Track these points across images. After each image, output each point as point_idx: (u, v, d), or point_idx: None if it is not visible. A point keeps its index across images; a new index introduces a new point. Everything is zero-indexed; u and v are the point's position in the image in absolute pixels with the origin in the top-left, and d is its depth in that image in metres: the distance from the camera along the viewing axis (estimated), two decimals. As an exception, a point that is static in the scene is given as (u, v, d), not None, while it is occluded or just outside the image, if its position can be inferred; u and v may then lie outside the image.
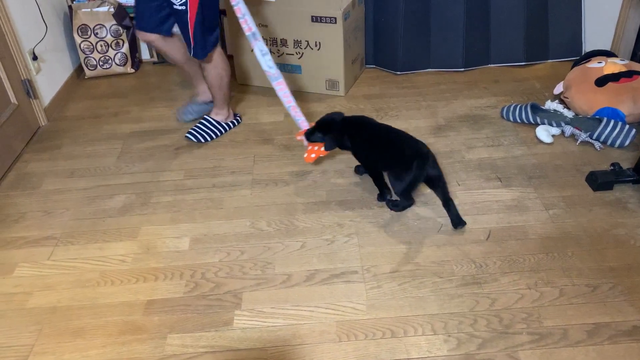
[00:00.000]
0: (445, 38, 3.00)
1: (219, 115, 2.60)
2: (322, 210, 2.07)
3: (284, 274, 1.80)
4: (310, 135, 2.13)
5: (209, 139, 2.57)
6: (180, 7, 2.18)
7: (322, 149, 2.12)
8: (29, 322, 1.69)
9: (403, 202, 2.00)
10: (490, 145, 2.38)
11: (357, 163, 2.23)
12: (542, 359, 1.46)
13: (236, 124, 2.69)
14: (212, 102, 2.63)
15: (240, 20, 2.13)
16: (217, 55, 2.41)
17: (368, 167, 2.14)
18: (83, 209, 2.16)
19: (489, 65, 3.10)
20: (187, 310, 1.68)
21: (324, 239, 1.93)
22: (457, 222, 1.91)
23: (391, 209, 2.05)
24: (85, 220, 2.11)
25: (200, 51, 2.31)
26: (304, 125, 2.24)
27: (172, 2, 2.19)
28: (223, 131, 2.62)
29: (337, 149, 2.15)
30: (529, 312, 1.60)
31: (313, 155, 2.13)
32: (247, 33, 2.16)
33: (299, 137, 2.23)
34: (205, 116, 2.62)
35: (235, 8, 2.12)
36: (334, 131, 2.08)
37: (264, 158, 2.42)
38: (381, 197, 2.10)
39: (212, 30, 2.33)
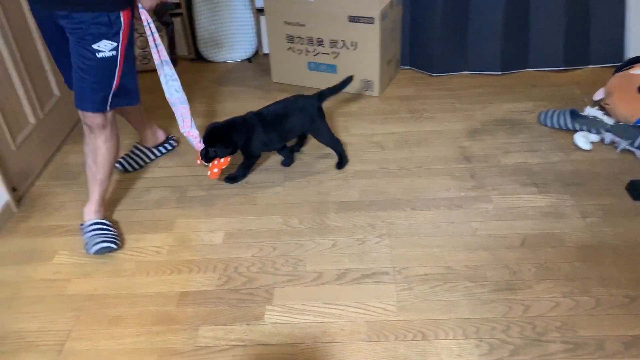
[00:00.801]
0: (482, 40, 2.96)
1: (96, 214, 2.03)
2: (353, 210, 2.08)
3: (315, 272, 1.81)
4: (205, 155, 2.11)
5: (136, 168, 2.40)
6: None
7: (221, 160, 2.11)
8: (67, 309, 1.74)
9: (339, 146, 2.35)
10: (526, 151, 2.35)
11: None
12: (576, 368, 1.44)
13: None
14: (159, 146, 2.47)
15: (152, 51, 2.00)
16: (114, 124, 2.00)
17: (273, 147, 2.30)
18: (120, 201, 2.21)
19: (527, 69, 3.05)
20: (220, 303, 1.71)
21: (355, 238, 1.94)
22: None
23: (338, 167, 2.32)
24: (122, 211, 2.15)
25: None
26: (199, 146, 2.14)
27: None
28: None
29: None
30: (564, 321, 1.57)
31: (216, 170, 2.11)
32: (157, 62, 2.05)
33: (198, 162, 2.18)
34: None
35: (149, 38, 1.96)
36: (221, 139, 2.10)
37: (297, 156, 2.43)
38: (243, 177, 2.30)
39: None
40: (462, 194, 2.12)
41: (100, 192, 2.01)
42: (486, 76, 3.01)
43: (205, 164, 2.13)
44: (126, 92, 1.91)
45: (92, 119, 1.87)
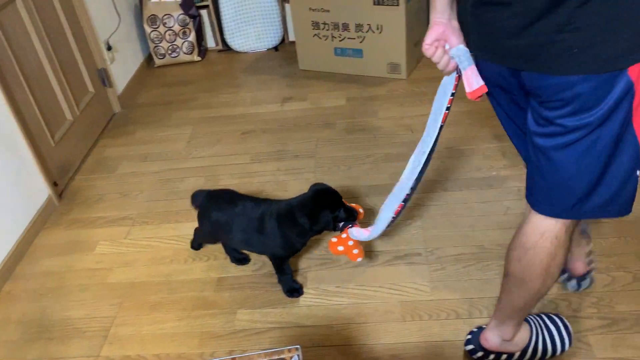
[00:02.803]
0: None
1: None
2: (384, 193, 2.04)
3: (348, 255, 1.83)
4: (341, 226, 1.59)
5: None
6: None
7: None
8: (110, 296, 1.81)
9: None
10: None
11: None
12: (614, 344, 1.43)
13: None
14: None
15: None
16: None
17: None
18: (156, 191, 2.28)
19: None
20: (256, 287, 1.75)
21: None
22: None
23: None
24: (159, 201, 2.22)
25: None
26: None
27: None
28: None
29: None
30: (600, 297, 1.56)
31: (356, 252, 1.56)
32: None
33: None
34: None
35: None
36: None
37: (327, 142, 2.45)
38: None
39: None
40: (494, 173, 2.10)
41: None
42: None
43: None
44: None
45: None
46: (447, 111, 1.25)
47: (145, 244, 2.01)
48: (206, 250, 1.93)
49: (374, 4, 2.71)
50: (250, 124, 2.67)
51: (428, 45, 1.13)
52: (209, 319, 1.67)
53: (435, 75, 2.84)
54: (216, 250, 1.92)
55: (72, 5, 2.58)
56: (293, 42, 3.20)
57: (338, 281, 1.74)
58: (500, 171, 2.10)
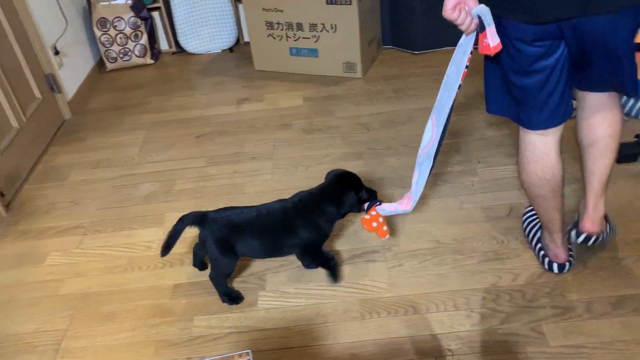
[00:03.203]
0: (462, 15, 2.95)
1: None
2: (342, 192, 2.08)
3: (306, 256, 1.82)
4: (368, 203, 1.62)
5: None
6: None
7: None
8: (62, 308, 1.75)
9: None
10: (511, 122, 2.35)
11: None
12: (567, 332, 1.46)
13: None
14: None
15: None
16: None
17: None
18: (109, 199, 2.22)
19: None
20: (213, 293, 1.72)
21: (344, 219, 1.94)
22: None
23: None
24: (112, 209, 2.16)
25: None
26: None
27: None
28: None
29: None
30: (553, 287, 1.59)
31: (385, 228, 1.61)
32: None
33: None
34: None
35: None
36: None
37: (284, 143, 2.44)
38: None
39: None
40: (449, 169, 2.13)
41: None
42: (468, 50, 3.01)
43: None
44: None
45: None
46: (466, 69, 1.38)
47: (98, 253, 1.95)
48: (161, 257, 1.89)
49: (327, 3, 2.70)
50: (205, 126, 2.63)
51: (451, 10, 1.25)
52: (165, 327, 1.63)
53: (391, 74, 2.88)
54: (172, 256, 1.88)
55: (14, 8, 2.49)
56: (248, 43, 3.17)
57: (297, 282, 1.73)
58: (455, 167, 2.13)
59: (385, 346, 1.49)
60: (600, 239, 1.59)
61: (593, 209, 1.53)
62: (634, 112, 2.25)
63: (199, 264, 1.79)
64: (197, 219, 1.60)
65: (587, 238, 1.54)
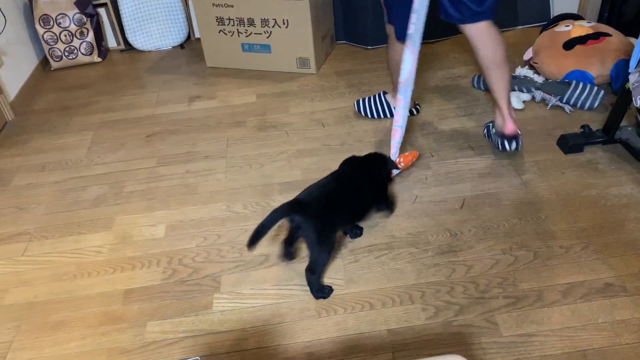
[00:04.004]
0: (414, 9, 2.97)
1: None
2: (298, 190, 2.04)
3: (261, 255, 1.80)
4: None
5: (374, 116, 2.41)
6: None
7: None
8: (6, 319, 1.67)
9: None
10: (462, 115, 2.39)
11: None
12: (519, 321, 1.49)
13: (415, 113, 2.43)
14: None
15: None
16: None
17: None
18: (56, 203, 2.13)
19: (459, 35, 3.08)
20: (166, 297, 1.68)
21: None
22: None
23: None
24: (59, 213, 2.08)
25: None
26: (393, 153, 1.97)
27: None
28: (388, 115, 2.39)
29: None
30: (505, 277, 1.62)
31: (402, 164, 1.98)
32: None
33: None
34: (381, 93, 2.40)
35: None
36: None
37: (237, 141, 2.40)
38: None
39: None
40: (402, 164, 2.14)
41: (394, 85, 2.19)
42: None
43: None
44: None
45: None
46: None
47: (44, 259, 1.87)
48: (112, 262, 1.83)
49: (277, -2, 2.67)
50: (156, 125, 2.56)
51: None
52: (117, 334, 1.58)
53: (344, 69, 2.88)
54: (123, 261, 1.83)
55: (-53, 5, 2.36)
56: (199, 39, 3.11)
57: (252, 283, 1.70)
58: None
59: (343, 343, 1.49)
60: (521, 142, 2.05)
61: (508, 112, 2.01)
62: (579, 104, 2.31)
63: (289, 255, 1.75)
64: (292, 207, 1.57)
65: (516, 139, 2.02)
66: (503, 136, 2.05)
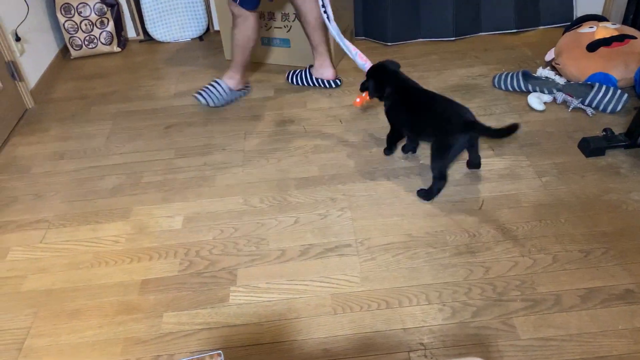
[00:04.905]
0: (434, 7, 2.95)
1: (232, 79, 2.58)
2: (314, 185, 2.06)
3: (278, 250, 1.80)
4: (362, 84, 2.09)
5: (216, 102, 2.58)
6: None
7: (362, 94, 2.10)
8: (25, 306, 1.68)
9: (437, 183, 1.90)
10: (482, 115, 2.37)
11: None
12: (536, 325, 1.47)
13: (246, 92, 2.70)
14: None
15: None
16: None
17: (398, 127, 2.11)
18: (74, 191, 2.15)
19: (480, 33, 3.06)
20: (182, 288, 1.68)
21: (317, 213, 1.93)
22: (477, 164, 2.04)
23: (424, 199, 1.93)
24: (77, 202, 2.09)
25: None
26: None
27: None
28: (231, 98, 2.62)
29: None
30: (523, 279, 1.61)
31: (358, 100, 2.11)
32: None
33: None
34: (216, 80, 2.59)
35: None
36: (376, 78, 2.02)
37: (255, 134, 2.40)
38: (389, 150, 2.19)
39: None
40: (421, 162, 2.13)
41: (231, 64, 2.56)
42: (440, 43, 3.01)
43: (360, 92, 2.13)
44: None
45: (230, 7, 2.37)
46: None
47: (62, 247, 1.89)
48: (129, 251, 1.84)
49: (299, -8, 2.66)
50: (173, 117, 2.57)
51: None
52: (133, 324, 1.59)
53: (362, 65, 2.85)
54: (139, 251, 1.84)
55: (-29, -8, 2.38)
56: (218, 32, 3.10)
57: (268, 277, 1.70)
58: (427, 160, 2.12)
59: (358, 341, 1.48)
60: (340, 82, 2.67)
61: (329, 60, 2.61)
62: (602, 107, 2.28)
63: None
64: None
65: (337, 79, 2.66)
66: (326, 80, 2.64)
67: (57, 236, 1.94)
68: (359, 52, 2.20)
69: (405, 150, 2.19)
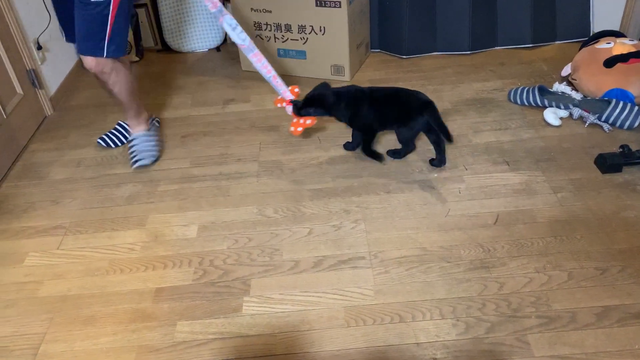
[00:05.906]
0: (451, 21, 2.96)
1: (142, 125, 2.40)
2: (328, 197, 2.07)
3: (291, 261, 1.80)
4: (300, 110, 2.10)
5: (155, 154, 2.37)
6: None
7: (308, 121, 2.12)
8: (40, 311, 1.70)
9: (405, 148, 2.22)
10: (497, 129, 2.37)
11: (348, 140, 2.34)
12: (551, 342, 1.46)
13: (158, 123, 2.57)
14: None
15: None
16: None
17: (368, 130, 2.20)
18: (90, 198, 2.17)
19: (496, 47, 3.06)
20: (196, 297, 1.69)
21: (330, 225, 1.93)
22: (441, 162, 2.16)
23: (393, 157, 2.23)
24: (93, 209, 2.11)
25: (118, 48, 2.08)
26: (287, 95, 2.16)
27: None
28: (157, 143, 2.42)
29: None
30: (538, 296, 1.59)
31: (300, 129, 2.13)
32: (213, 10, 2.08)
33: (279, 104, 2.19)
34: (133, 136, 2.39)
35: None
36: (328, 104, 2.10)
37: (270, 145, 2.41)
38: (378, 158, 2.25)
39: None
40: (435, 175, 2.13)
41: (130, 113, 2.35)
42: (456, 56, 3.02)
43: (289, 112, 2.15)
44: (117, 43, 2.06)
45: (89, 63, 2.09)
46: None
47: (78, 254, 1.91)
48: (144, 259, 1.85)
49: (316, 5, 2.69)
50: (190, 126, 2.59)
51: None
52: (147, 332, 1.60)
53: (378, 78, 2.87)
54: (154, 259, 1.85)
55: (-4, 1, 2.43)
56: (235, 43, 3.13)
57: (282, 288, 1.71)
58: (442, 173, 2.13)
59: (371, 354, 1.48)
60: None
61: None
62: (619, 123, 2.27)
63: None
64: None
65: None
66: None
67: (74, 243, 1.96)
68: (273, 75, 2.17)
69: (347, 147, 2.33)
